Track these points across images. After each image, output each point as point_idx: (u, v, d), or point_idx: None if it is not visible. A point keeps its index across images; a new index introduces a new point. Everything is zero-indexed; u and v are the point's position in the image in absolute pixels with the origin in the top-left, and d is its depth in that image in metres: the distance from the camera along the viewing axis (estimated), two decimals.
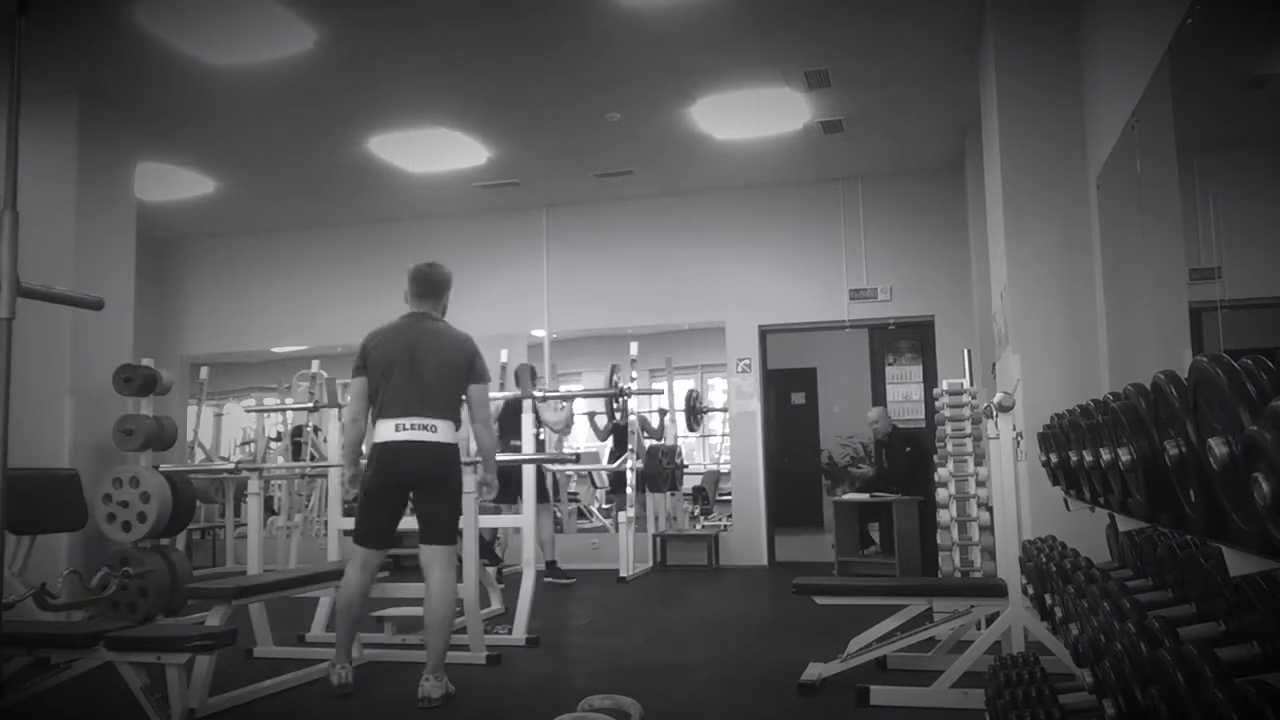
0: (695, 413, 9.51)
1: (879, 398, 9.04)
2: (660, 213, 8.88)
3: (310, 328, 9.51)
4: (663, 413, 9.78)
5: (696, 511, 10.14)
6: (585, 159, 7.89)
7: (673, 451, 8.90)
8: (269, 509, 8.20)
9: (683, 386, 12.43)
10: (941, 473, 4.86)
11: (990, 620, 3.74)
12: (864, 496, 7.43)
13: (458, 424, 3.91)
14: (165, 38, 5.35)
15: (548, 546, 7.27)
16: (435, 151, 7.42)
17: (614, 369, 8.11)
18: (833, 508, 7.72)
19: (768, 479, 8.54)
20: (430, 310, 4.00)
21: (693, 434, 9.72)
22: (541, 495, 6.51)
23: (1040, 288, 4.75)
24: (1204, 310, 2.95)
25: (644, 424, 9.34)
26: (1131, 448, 1.58)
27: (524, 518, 5.31)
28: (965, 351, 5.23)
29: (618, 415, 8.03)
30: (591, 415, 10.07)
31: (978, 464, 4.76)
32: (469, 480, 4.80)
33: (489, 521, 6.48)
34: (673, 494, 8.91)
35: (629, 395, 8.01)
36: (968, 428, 4.84)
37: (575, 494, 10.23)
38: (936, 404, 5.06)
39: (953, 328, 8.05)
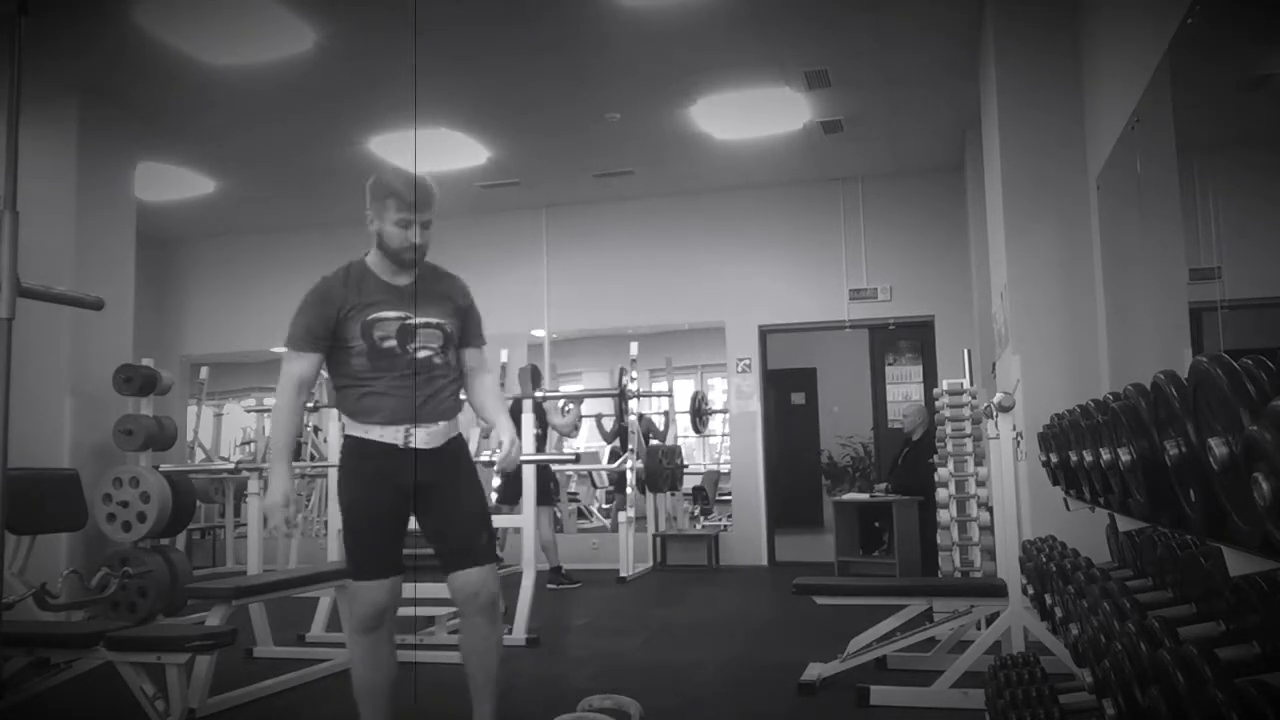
0: (700, 414, 9.52)
1: (879, 398, 9.04)
2: (660, 213, 8.88)
3: None
4: (666, 414, 9.79)
5: (696, 511, 10.14)
6: (585, 159, 7.88)
7: (673, 452, 8.90)
8: None
9: (683, 387, 12.44)
10: (941, 473, 4.86)
11: (990, 620, 3.75)
12: (864, 496, 7.43)
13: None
14: (165, 38, 5.35)
15: (550, 551, 7.21)
16: (435, 151, 7.41)
17: (621, 371, 8.11)
18: (833, 508, 7.72)
19: (768, 479, 8.54)
20: None
21: (697, 434, 9.72)
22: (544, 497, 6.49)
23: (1040, 288, 4.75)
24: (1204, 310, 2.95)
25: (650, 428, 9.35)
26: (1131, 448, 1.58)
27: (524, 518, 5.30)
28: (965, 351, 5.23)
29: (627, 417, 8.02)
30: (599, 417, 10.08)
31: (978, 464, 4.76)
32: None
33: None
34: (673, 494, 8.91)
35: (635, 397, 8.02)
36: (968, 428, 4.84)
37: (575, 494, 10.23)
38: (937, 404, 5.07)
39: (953, 328, 8.05)
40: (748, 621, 5.79)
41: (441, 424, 2.79)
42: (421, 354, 2.77)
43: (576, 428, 8.03)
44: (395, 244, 2.77)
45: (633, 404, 8.14)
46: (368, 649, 2.76)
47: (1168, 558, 1.96)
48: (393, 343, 2.73)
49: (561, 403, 7.70)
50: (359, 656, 2.78)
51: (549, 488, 7.01)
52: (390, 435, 2.72)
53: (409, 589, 5.16)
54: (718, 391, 11.20)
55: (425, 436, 2.74)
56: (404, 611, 5.11)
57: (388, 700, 2.78)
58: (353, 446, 2.77)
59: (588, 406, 9.75)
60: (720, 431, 10.85)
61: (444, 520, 2.80)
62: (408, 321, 2.75)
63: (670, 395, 9.73)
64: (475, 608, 2.80)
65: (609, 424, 9.73)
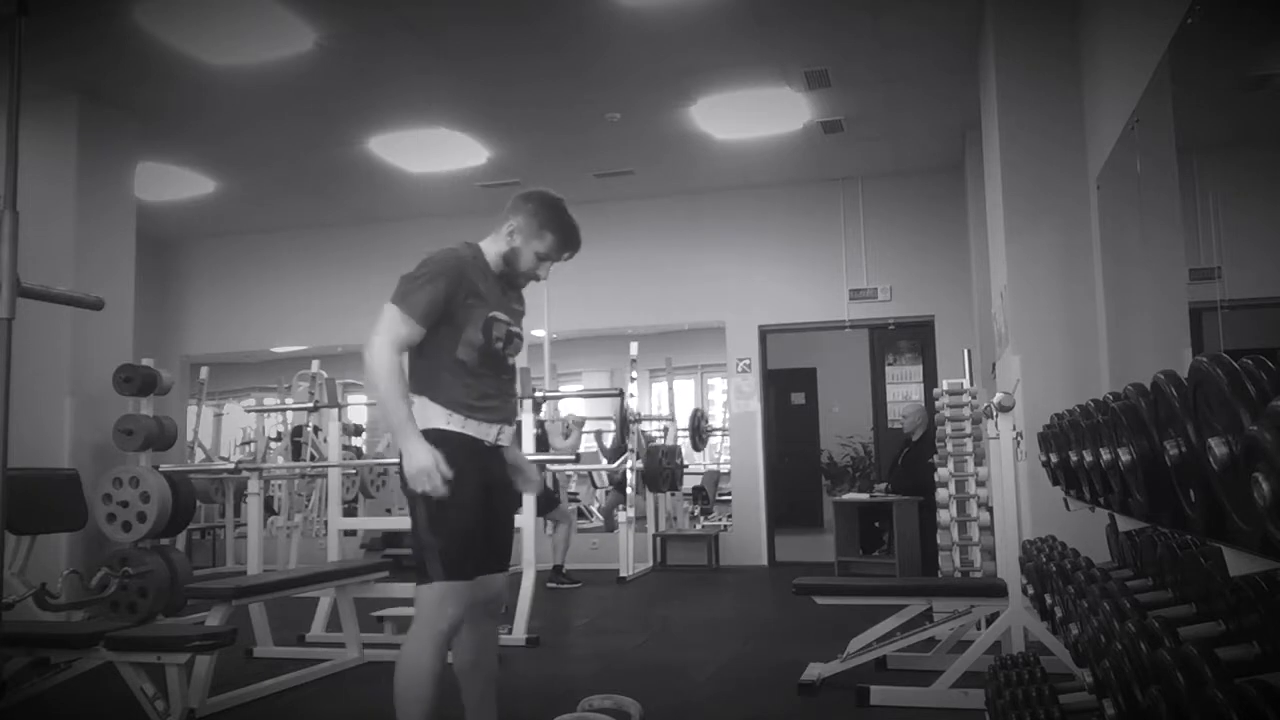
0: (700, 433, 9.51)
1: (879, 398, 9.04)
2: (660, 213, 8.88)
3: (310, 328, 9.50)
4: (665, 421, 9.80)
5: (696, 511, 10.14)
6: (585, 159, 7.88)
7: (673, 452, 8.90)
8: (269, 509, 8.20)
9: (683, 387, 12.45)
10: (942, 473, 4.86)
11: (990, 620, 3.75)
12: (864, 496, 7.43)
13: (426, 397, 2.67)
14: (165, 38, 5.35)
15: (560, 550, 7.33)
16: (435, 151, 7.42)
17: (621, 394, 8.12)
18: (833, 508, 7.72)
19: (768, 479, 8.54)
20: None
21: (696, 451, 9.73)
22: (551, 502, 6.89)
23: (1040, 288, 4.75)
24: (1204, 310, 2.95)
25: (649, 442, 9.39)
26: (1131, 448, 1.58)
27: (524, 517, 5.30)
28: (965, 351, 5.23)
29: (628, 441, 8.05)
30: (599, 433, 10.09)
31: (978, 464, 4.76)
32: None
33: None
34: (673, 494, 8.91)
35: (638, 421, 8.09)
36: (968, 428, 4.84)
37: (575, 494, 10.23)
38: (936, 404, 5.07)
39: (953, 328, 8.05)
40: (748, 621, 5.79)
41: (511, 428, 2.76)
42: (510, 359, 2.77)
43: (577, 453, 8.07)
44: (523, 267, 2.81)
45: (631, 404, 8.14)
46: (443, 655, 2.53)
47: (1168, 558, 1.96)
48: (501, 343, 2.69)
49: (563, 425, 7.72)
50: (429, 663, 2.49)
51: (554, 499, 7.18)
52: (489, 433, 2.65)
53: (408, 589, 5.15)
54: (718, 392, 11.20)
55: (506, 438, 2.71)
56: (406, 611, 5.14)
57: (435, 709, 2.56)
58: (457, 441, 2.58)
59: (587, 420, 9.81)
60: (720, 431, 10.86)
61: (495, 521, 2.72)
62: (511, 328, 2.73)
63: (666, 394, 9.73)
64: (489, 612, 2.76)
65: (609, 439, 9.74)
